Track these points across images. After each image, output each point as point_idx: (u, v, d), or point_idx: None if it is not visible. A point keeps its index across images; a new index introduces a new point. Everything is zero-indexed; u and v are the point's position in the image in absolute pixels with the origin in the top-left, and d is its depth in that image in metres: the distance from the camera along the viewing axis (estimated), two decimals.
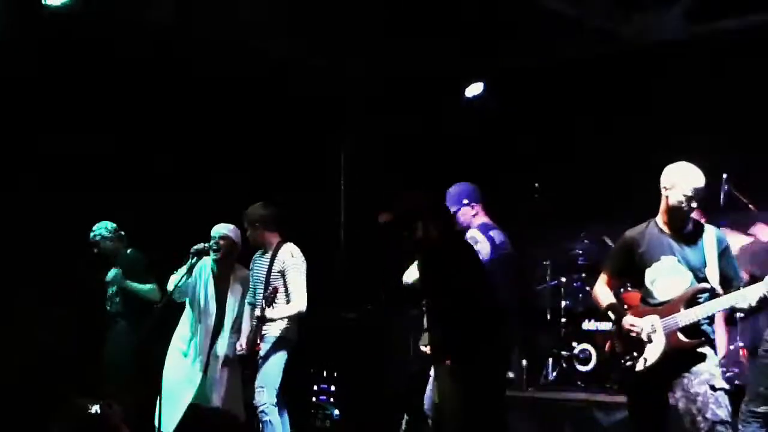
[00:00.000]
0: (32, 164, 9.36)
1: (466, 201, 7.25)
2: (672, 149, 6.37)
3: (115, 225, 9.24)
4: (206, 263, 8.46)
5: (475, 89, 10.93)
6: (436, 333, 6.45)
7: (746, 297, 5.72)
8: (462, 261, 6.43)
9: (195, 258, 8.16)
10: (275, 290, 7.82)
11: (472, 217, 7.22)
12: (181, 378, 8.34)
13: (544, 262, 10.51)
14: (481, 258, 6.72)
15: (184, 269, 8.16)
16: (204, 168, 10.35)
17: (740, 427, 6.57)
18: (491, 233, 7.10)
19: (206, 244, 8.25)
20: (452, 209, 7.06)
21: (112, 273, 9.09)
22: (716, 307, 5.80)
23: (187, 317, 8.52)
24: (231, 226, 8.45)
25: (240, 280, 8.46)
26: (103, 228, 9.19)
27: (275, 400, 7.92)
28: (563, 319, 10.25)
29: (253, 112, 10.62)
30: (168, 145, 10.13)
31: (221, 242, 8.35)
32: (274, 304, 7.83)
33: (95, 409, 7.43)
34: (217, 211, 8.66)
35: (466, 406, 6.16)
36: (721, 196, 8.68)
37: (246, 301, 8.33)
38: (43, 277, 9.28)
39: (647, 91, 10.20)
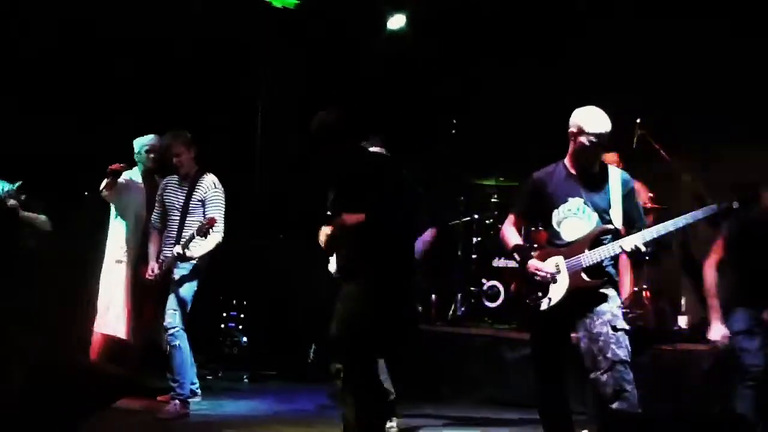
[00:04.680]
0: None
1: None
2: (587, 93, 6.38)
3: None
4: (134, 173, 8.71)
5: (397, 22, 10.87)
6: (347, 252, 6.35)
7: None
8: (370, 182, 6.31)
9: (111, 177, 8.37)
10: (212, 221, 7.76)
11: None
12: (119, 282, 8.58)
13: (459, 198, 10.57)
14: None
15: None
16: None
17: None
18: None
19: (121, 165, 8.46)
20: None
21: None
22: (618, 248, 5.85)
23: (118, 226, 8.69)
24: (152, 136, 8.67)
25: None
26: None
27: (184, 325, 7.93)
28: (474, 256, 10.34)
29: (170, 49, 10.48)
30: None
31: (150, 154, 8.68)
32: (207, 235, 7.76)
33: None
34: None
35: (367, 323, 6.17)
36: (634, 141, 8.80)
37: (152, 224, 8.33)
38: None
39: (562, 33, 10.27)
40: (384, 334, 6.38)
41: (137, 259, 8.55)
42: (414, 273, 6.56)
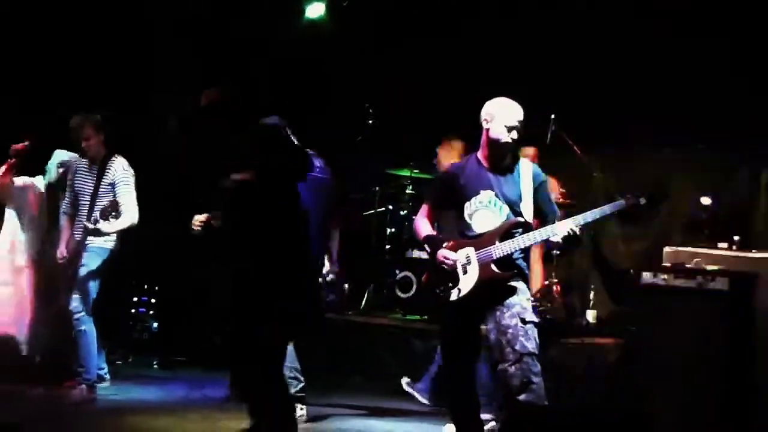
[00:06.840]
0: None
1: None
2: (503, 86, 6.40)
3: None
4: (38, 180, 8.67)
5: (316, 10, 10.83)
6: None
7: (556, 231, 5.87)
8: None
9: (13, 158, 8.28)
10: (114, 205, 7.68)
11: None
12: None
13: (374, 189, 10.59)
14: None
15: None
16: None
17: None
18: None
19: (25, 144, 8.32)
20: None
21: None
22: (529, 240, 5.89)
23: (12, 221, 8.57)
24: (72, 154, 8.47)
25: None
26: None
27: (90, 309, 7.86)
28: (388, 246, 10.38)
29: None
30: None
31: (60, 170, 8.59)
32: (110, 218, 7.69)
33: None
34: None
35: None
36: (548, 136, 8.89)
37: (62, 210, 8.27)
38: None
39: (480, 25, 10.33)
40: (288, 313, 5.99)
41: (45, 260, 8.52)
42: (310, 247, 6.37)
